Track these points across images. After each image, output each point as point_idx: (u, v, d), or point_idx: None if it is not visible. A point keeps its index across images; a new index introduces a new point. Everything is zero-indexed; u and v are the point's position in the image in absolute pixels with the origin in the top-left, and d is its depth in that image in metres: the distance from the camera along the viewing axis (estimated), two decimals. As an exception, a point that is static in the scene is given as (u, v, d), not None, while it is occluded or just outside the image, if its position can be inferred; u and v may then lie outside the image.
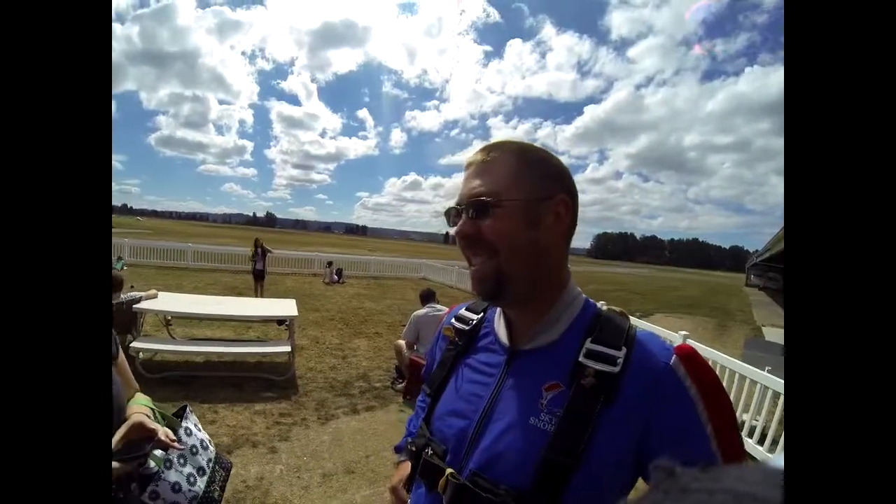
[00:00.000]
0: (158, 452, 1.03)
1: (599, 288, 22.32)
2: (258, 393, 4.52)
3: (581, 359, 0.70)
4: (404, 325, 5.21)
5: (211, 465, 1.14)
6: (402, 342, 4.97)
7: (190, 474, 1.06)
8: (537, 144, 0.81)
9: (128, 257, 13.69)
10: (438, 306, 5.00)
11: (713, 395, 0.67)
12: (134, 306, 4.89)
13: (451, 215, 0.78)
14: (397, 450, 1.08)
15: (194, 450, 1.11)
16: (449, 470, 0.73)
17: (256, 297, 9.16)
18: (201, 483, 1.08)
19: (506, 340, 0.80)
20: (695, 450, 0.64)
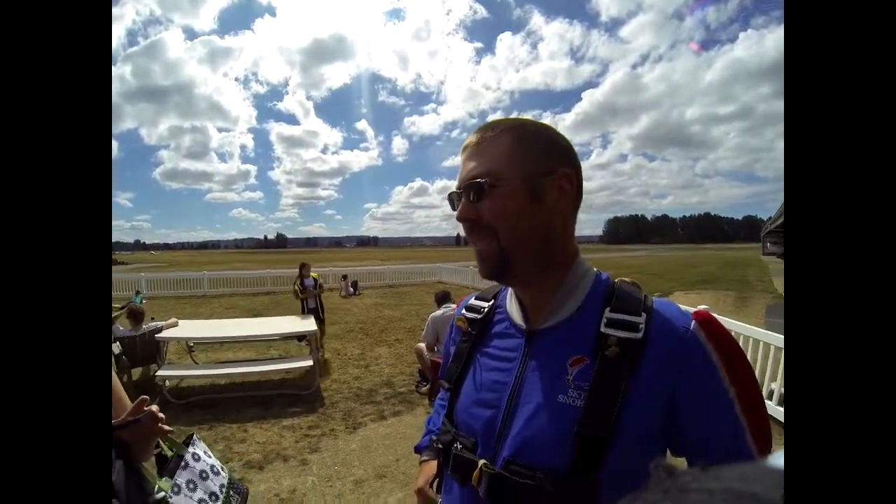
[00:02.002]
0: (167, 480, 1.02)
1: (616, 273, 22.02)
2: (285, 409, 4.57)
3: (603, 328, 0.69)
4: (423, 329, 5.24)
5: (224, 490, 1.12)
6: (422, 345, 5.00)
7: (201, 500, 1.04)
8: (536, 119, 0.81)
9: (146, 290, 13.81)
10: (454, 306, 4.93)
11: (734, 359, 0.66)
12: (157, 336, 5.02)
13: (454, 200, 0.78)
14: (418, 450, 1.06)
15: (204, 475, 1.10)
16: (482, 461, 0.72)
17: (318, 347, 6.07)
18: None
19: (521, 322, 0.78)
20: (720, 414, 0.64)
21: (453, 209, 0.78)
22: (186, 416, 4.24)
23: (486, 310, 0.87)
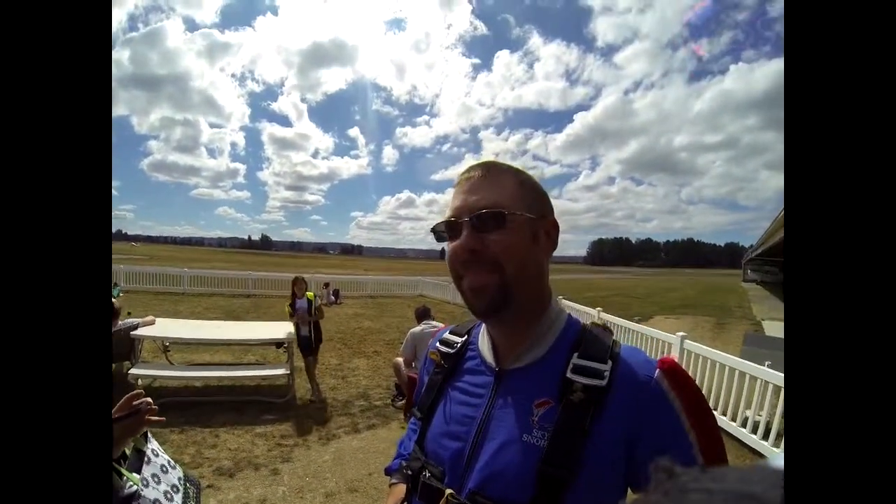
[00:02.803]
0: (135, 474, 1.08)
1: (598, 295, 22.28)
2: (259, 416, 4.52)
3: (569, 374, 0.71)
4: (402, 343, 5.25)
5: (182, 482, 1.20)
6: (400, 359, 4.99)
7: (166, 491, 1.11)
8: (524, 165, 0.84)
9: (123, 284, 13.55)
10: (434, 322, 5.03)
11: (695, 404, 0.70)
12: (132, 333, 4.91)
13: (447, 230, 0.78)
14: (388, 472, 1.08)
15: (164, 469, 1.16)
16: (448, 490, 0.75)
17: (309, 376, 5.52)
18: (178, 498, 1.14)
19: (492, 361, 0.81)
20: (679, 456, 0.67)
21: (439, 240, 0.80)
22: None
23: (458, 345, 0.90)
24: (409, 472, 0.86)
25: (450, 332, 0.97)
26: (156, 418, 1.12)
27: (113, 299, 5.93)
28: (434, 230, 0.82)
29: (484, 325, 0.87)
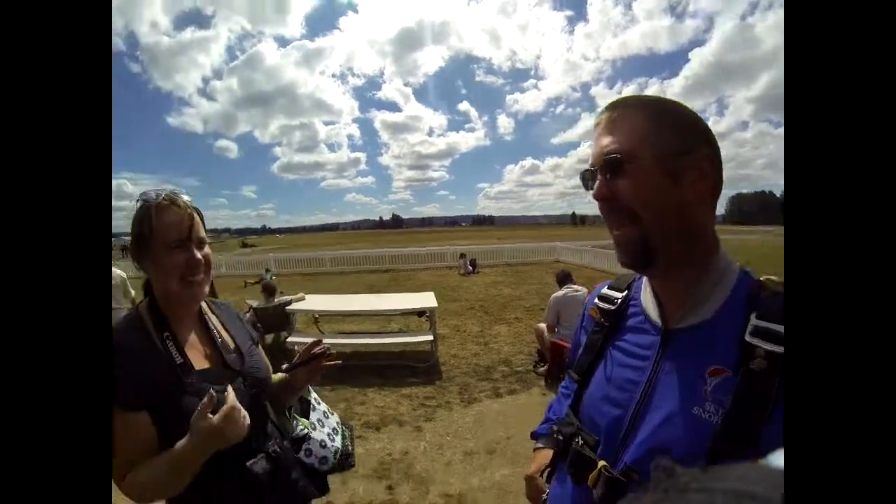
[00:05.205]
0: (304, 419, 1.29)
1: (749, 262, 19.88)
2: (404, 379, 4.87)
3: (748, 337, 0.63)
4: (544, 309, 5.22)
5: (339, 426, 1.39)
6: (542, 325, 5.05)
7: (328, 433, 1.31)
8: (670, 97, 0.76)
9: (274, 269, 15.63)
10: (576, 287, 5.01)
11: None
12: (286, 308, 5.67)
13: (587, 179, 0.76)
14: (535, 436, 1.06)
15: (325, 414, 1.37)
16: (602, 462, 0.71)
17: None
18: (339, 439, 1.33)
19: (657, 319, 0.75)
20: None
21: (586, 189, 0.76)
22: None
23: (619, 301, 0.85)
24: (560, 438, 0.82)
25: (609, 287, 0.90)
26: (332, 362, 1.26)
27: (268, 281, 6.84)
28: (581, 178, 0.78)
29: (644, 277, 0.80)
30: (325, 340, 4.54)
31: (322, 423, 1.32)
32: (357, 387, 4.60)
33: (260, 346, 1.30)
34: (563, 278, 5.22)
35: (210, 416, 0.89)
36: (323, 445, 1.25)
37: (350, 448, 1.37)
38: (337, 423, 1.39)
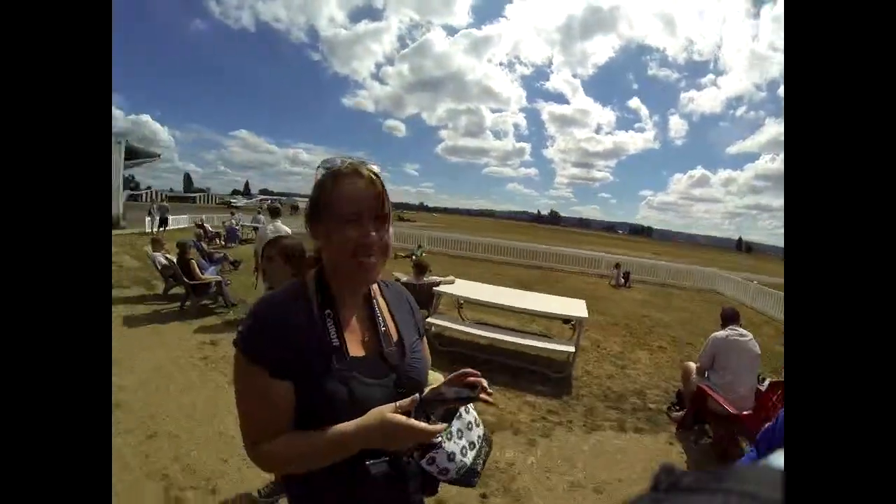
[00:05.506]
0: (443, 424, 1.17)
1: None
2: (532, 385, 4.84)
3: None
4: (691, 343, 4.72)
5: (480, 440, 1.22)
6: (691, 364, 4.43)
7: (463, 447, 1.14)
8: None
9: (426, 246, 16.68)
10: (742, 330, 4.23)
11: None
12: (434, 288, 5.92)
13: None
14: None
15: (470, 426, 1.19)
16: None
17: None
18: (471, 455, 1.17)
19: None
20: None
21: None
22: (445, 363, 4.83)
23: None
24: None
25: None
26: (487, 398, 1.07)
27: (419, 258, 7.23)
28: None
29: None
30: (464, 329, 4.62)
31: (461, 434, 1.17)
32: (484, 382, 4.68)
33: (425, 340, 1.24)
34: (729, 317, 4.41)
35: (402, 416, 0.88)
36: (451, 458, 1.11)
37: (480, 467, 1.22)
38: (479, 437, 1.24)
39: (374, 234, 0.94)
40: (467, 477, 1.16)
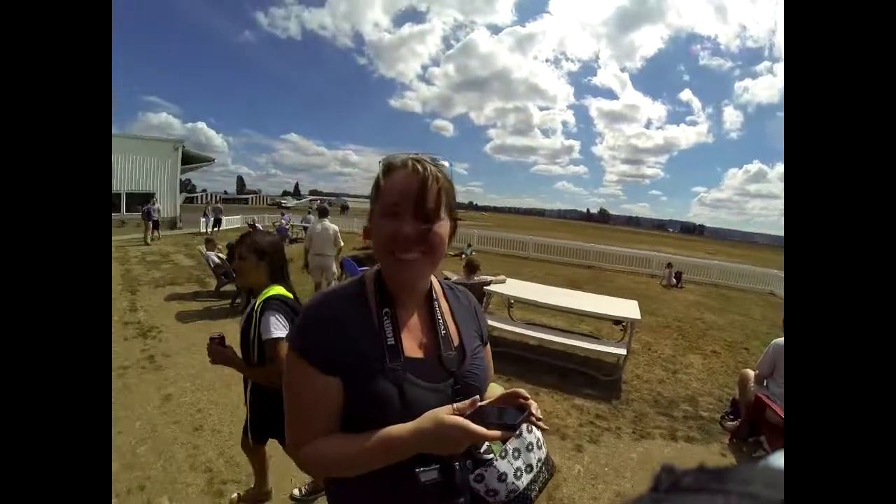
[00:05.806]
0: (497, 444, 1.06)
1: None
2: (580, 388, 4.82)
3: None
4: (747, 348, 4.55)
5: (539, 464, 1.12)
6: (749, 372, 4.25)
7: (518, 469, 1.05)
8: None
9: (476, 245, 16.75)
10: None
11: None
12: (485, 287, 5.99)
13: None
14: None
15: (530, 446, 1.09)
16: None
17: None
18: (525, 479, 1.07)
19: None
20: None
21: None
22: (494, 363, 4.89)
23: None
24: None
25: None
26: (540, 423, 1.00)
27: (470, 257, 7.34)
28: None
29: None
30: (514, 329, 4.66)
31: (517, 455, 1.06)
32: (531, 383, 4.73)
33: (489, 348, 1.18)
34: (792, 323, 4.40)
35: (458, 417, 0.85)
36: (502, 479, 1.01)
37: (535, 494, 1.10)
38: (538, 460, 1.12)
39: (408, 228, 0.89)
40: (517, 502, 1.05)
